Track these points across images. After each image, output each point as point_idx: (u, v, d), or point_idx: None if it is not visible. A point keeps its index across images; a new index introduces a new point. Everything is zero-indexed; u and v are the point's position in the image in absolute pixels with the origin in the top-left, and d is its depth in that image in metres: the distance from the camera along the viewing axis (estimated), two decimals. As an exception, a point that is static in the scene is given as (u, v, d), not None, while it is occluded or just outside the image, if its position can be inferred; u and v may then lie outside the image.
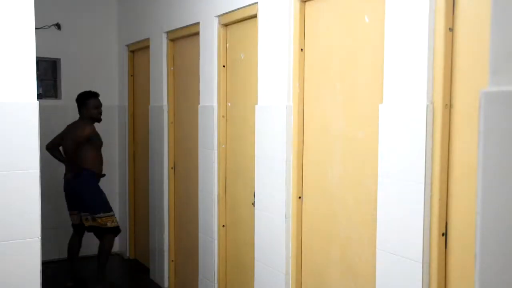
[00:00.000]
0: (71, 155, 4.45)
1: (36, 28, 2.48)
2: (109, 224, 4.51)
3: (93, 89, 4.75)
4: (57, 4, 5.30)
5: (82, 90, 5.27)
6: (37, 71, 2.58)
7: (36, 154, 2.46)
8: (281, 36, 2.93)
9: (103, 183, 4.69)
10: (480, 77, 1.94)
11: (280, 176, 2.96)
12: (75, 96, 4.86)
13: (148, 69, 4.84)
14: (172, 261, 4.61)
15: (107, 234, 4.54)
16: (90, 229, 4.56)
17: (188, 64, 4.22)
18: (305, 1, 2.85)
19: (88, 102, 4.60)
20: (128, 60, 5.45)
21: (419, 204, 2.10)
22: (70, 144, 4.44)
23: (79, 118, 4.62)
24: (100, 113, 4.60)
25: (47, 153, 4.60)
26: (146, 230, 5.06)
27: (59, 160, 4.67)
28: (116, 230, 4.61)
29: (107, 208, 4.54)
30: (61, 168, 4.86)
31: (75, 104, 5.52)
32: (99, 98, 4.65)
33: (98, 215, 4.47)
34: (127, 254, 5.67)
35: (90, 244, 5.34)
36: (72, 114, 5.38)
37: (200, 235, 3.95)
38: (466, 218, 2.03)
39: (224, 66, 3.63)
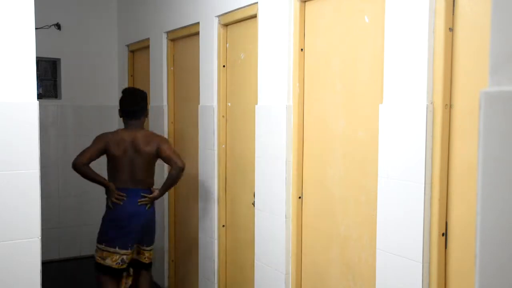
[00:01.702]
0: (143, 173, 3.59)
1: (36, 28, 2.47)
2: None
3: (93, 89, 4.73)
4: (57, 4, 5.31)
5: (83, 90, 5.25)
6: (37, 71, 2.57)
7: (36, 154, 2.46)
8: (281, 36, 2.93)
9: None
10: (480, 77, 1.94)
11: (280, 176, 2.96)
12: (76, 96, 4.84)
13: (148, 69, 4.84)
14: (172, 261, 4.61)
15: (145, 269, 3.79)
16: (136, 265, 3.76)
17: (188, 64, 4.22)
18: (305, 1, 2.85)
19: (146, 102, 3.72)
20: (128, 60, 5.45)
21: (419, 204, 2.10)
22: (144, 160, 3.57)
23: (138, 124, 3.63)
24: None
25: (47, 153, 4.56)
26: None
27: (99, 182, 3.57)
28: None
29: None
30: (62, 166, 4.84)
31: (75, 104, 5.53)
32: None
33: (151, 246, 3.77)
34: (127, 254, 5.66)
35: (90, 243, 5.34)
36: (72, 114, 5.40)
37: (200, 235, 3.95)
38: (466, 218, 2.03)
39: (224, 66, 3.63)
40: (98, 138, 3.57)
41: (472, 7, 2.00)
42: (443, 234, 2.09)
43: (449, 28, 2.04)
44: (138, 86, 5.29)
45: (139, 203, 3.58)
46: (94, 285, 4.69)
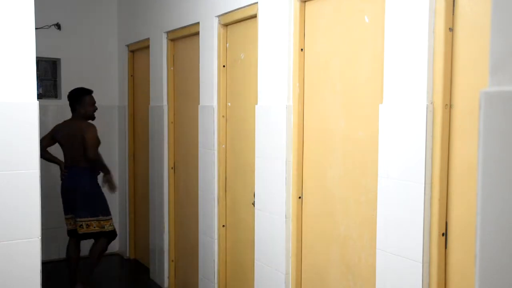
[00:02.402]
0: (92, 158, 4.24)
1: (36, 28, 2.47)
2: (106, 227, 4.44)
3: (93, 89, 4.74)
4: (57, 4, 5.30)
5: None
6: (37, 71, 2.57)
7: (36, 154, 2.46)
8: (281, 36, 2.93)
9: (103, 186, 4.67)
10: (480, 77, 1.94)
11: (280, 176, 2.96)
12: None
13: (148, 69, 4.84)
14: (172, 261, 4.61)
15: (104, 237, 4.43)
16: (88, 235, 4.42)
17: (188, 64, 4.22)
18: (305, 1, 2.85)
19: (85, 99, 4.41)
20: (128, 60, 5.45)
21: (419, 204, 2.10)
22: (81, 147, 4.26)
23: (74, 116, 4.40)
24: (95, 111, 4.46)
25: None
26: (146, 230, 5.06)
27: (55, 161, 4.47)
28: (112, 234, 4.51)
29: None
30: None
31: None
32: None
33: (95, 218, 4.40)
34: (127, 254, 5.67)
35: (90, 243, 5.33)
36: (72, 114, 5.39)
37: (200, 235, 3.95)
38: (466, 218, 2.03)
39: (224, 66, 3.63)
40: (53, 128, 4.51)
41: (472, 7, 2.00)
42: (443, 234, 2.09)
43: (449, 28, 2.04)
44: (138, 86, 5.30)
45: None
46: (94, 285, 4.70)
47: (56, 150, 4.51)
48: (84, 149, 4.22)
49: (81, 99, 4.40)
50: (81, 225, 4.29)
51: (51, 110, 5.33)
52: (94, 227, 4.32)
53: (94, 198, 4.34)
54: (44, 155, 4.28)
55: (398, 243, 2.21)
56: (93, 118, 4.43)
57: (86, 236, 4.35)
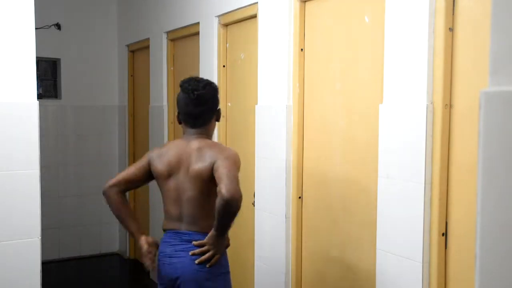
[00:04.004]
0: (194, 207, 2.30)
1: (36, 28, 2.48)
2: None
3: (93, 89, 4.71)
4: (57, 4, 5.31)
5: (83, 90, 5.26)
6: (37, 71, 2.57)
7: (36, 154, 2.46)
8: (281, 36, 2.93)
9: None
10: (480, 77, 1.94)
11: (280, 176, 2.96)
12: (76, 96, 4.82)
13: (148, 69, 4.84)
14: (172, 261, 4.61)
15: None
16: None
17: (188, 64, 4.22)
18: (305, 1, 2.84)
19: (219, 98, 2.43)
20: (128, 60, 5.45)
21: (419, 204, 2.10)
22: (195, 185, 2.27)
23: (203, 132, 2.36)
24: None
25: (47, 153, 4.54)
26: (146, 230, 5.06)
27: (125, 226, 2.46)
28: None
29: None
30: (62, 166, 4.83)
31: (75, 104, 5.52)
32: None
33: None
34: (127, 254, 5.66)
35: (90, 243, 5.35)
36: (72, 114, 5.40)
37: (200, 235, 3.94)
38: (466, 218, 2.03)
39: (224, 66, 3.63)
40: (145, 155, 2.44)
41: (472, 7, 2.00)
42: (443, 234, 2.09)
43: (449, 28, 2.04)
44: (138, 86, 5.29)
45: (196, 262, 2.27)
46: (94, 285, 4.70)
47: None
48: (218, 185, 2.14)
49: (218, 99, 2.41)
50: None
51: (51, 110, 5.33)
52: None
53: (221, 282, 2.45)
54: (115, 203, 2.33)
55: (398, 243, 2.21)
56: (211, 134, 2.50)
57: None
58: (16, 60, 2.40)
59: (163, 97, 4.54)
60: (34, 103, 2.45)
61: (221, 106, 3.62)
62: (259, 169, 3.16)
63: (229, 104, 3.63)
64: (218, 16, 3.61)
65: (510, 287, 0.70)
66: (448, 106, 2.06)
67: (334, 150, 2.69)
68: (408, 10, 2.15)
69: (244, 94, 3.44)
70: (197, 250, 2.27)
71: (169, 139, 4.51)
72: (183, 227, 2.31)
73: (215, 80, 3.67)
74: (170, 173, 2.30)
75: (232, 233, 3.71)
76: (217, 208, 2.15)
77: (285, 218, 2.95)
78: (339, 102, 2.65)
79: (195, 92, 2.25)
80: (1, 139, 2.39)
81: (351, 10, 2.57)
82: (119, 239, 5.75)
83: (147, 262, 2.32)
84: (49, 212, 5.11)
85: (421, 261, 2.10)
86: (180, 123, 2.41)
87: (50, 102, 5.35)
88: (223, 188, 2.11)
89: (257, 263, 3.22)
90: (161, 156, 2.33)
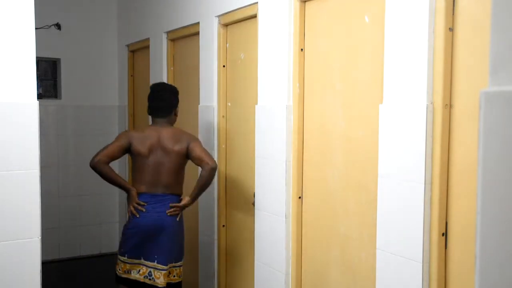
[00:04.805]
0: (170, 177, 3.19)
1: (36, 28, 2.47)
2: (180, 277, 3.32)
3: (93, 89, 4.71)
4: (57, 4, 5.31)
5: (83, 90, 5.25)
6: (37, 71, 2.57)
7: (36, 154, 2.46)
8: (281, 36, 2.93)
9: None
10: (480, 77, 1.94)
11: (280, 176, 2.96)
12: (76, 96, 4.82)
13: (148, 69, 4.84)
14: (172, 261, 4.61)
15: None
16: None
17: (188, 64, 4.22)
18: (305, 1, 2.85)
19: (178, 98, 3.39)
20: (128, 60, 5.45)
21: (419, 204, 2.10)
22: (173, 161, 3.19)
23: (162, 122, 3.28)
24: None
25: (47, 153, 4.54)
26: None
27: (124, 186, 3.23)
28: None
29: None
30: (62, 166, 4.83)
31: (75, 104, 5.52)
32: None
33: (179, 262, 3.28)
34: (127, 254, 5.66)
35: (90, 243, 5.35)
36: (72, 114, 5.40)
37: (200, 235, 3.95)
38: (466, 218, 2.03)
39: (224, 66, 3.63)
40: (121, 135, 3.28)
41: (472, 7, 2.00)
42: (443, 234, 2.09)
43: (449, 28, 2.04)
44: (138, 86, 5.30)
45: (168, 214, 3.15)
46: (94, 285, 4.70)
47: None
48: (198, 160, 3.13)
49: (178, 99, 3.38)
50: (175, 269, 3.26)
51: (51, 110, 5.33)
52: (174, 276, 3.26)
53: (183, 236, 3.33)
54: (106, 172, 3.13)
55: (398, 243, 2.21)
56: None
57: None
58: (16, 60, 2.40)
59: (163, 97, 4.54)
60: (34, 103, 2.45)
61: (220, 106, 3.65)
62: (259, 169, 3.16)
63: (229, 104, 3.63)
64: (218, 16, 3.61)
65: (510, 287, 0.70)
66: (448, 106, 2.06)
67: (334, 150, 2.69)
68: (408, 10, 2.15)
69: (244, 94, 3.45)
70: (171, 210, 3.17)
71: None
72: (160, 191, 3.18)
73: (215, 80, 3.68)
74: (150, 152, 3.17)
75: (232, 233, 3.71)
76: (204, 176, 3.09)
77: (285, 218, 2.95)
78: (339, 102, 2.65)
79: (160, 92, 3.30)
80: (1, 139, 2.39)
81: (351, 10, 2.57)
82: (119, 239, 5.75)
83: (133, 210, 3.16)
84: (49, 212, 5.11)
85: (421, 261, 2.10)
86: (149, 114, 3.35)
87: (50, 102, 5.36)
88: (209, 161, 3.10)
89: (257, 263, 3.22)
90: (142, 139, 3.19)
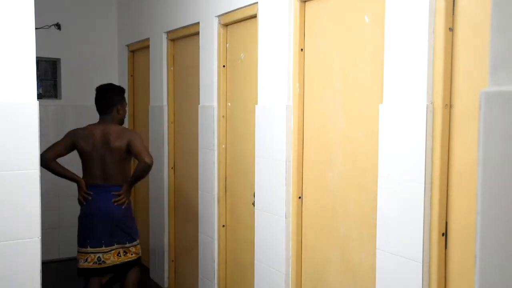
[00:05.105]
0: (113, 169, 3.55)
1: (36, 28, 2.47)
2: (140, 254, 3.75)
3: (93, 89, 4.72)
4: (57, 4, 5.31)
5: (83, 90, 5.24)
6: (37, 71, 2.57)
7: (36, 154, 2.46)
8: (281, 36, 2.93)
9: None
10: (480, 77, 1.94)
11: (280, 176, 2.96)
12: (76, 96, 4.82)
13: (148, 69, 4.84)
14: (172, 261, 4.61)
15: (133, 265, 3.71)
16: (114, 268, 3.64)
17: (188, 64, 4.22)
18: (305, 1, 2.85)
19: (124, 98, 3.73)
20: (128, 60, 5.45)
21: (419, 204, 2.10)
22: (115, 155, 3.52)
23: (107, 120, 3.61)
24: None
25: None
26: (146, 230, 5.06)
27: (71, 177, 3.61)
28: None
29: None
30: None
31: (75, 104, 5.52)
32: None
33: (135, 242, 3.67)
34: (127, 254, 5.67)
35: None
36: (72, 114, 5.40)
37: (200, 235, 3.95)
38: (466, 218, 2.03)
39: (224, 66, 3.63)
40: (68, 134, 3.63)
41: (472, 7, 2.00)
42: (443, 234, 2.09)
43: (449, 28, 2.04)
44: (138, 86, 5.30)
45: (114, 203, 3.53)
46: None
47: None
48: (136, 156, 3.47)
49: (122, 98, 3.70)
50: (119, 253, 3.59)
51: (51, 110, 5.33)
52: (132, 254, 3.66)
53: (133, 220, 3.73)
54: (55, 167, 3.51)
55: (398, 243, 2.21)
56: (122, 123, 3.75)
57: (119, 267, 3.63)
58: (16, 60, 2.40)
59: (163, 97, 4.54)
60: (34, 103, 2.45)
61: (220, 106, 3.65)
62: (259, 169, 3.16)
63: (229, 104, 3.63)
64: (218, 16, 3.61)
65: (510, 287, 0.70)
66: (448, 106, 2.06)
67: (334, 150, 2.69)
68: (408, 10, 2.15)
69: (244, 94, 3.44)
70: (117, 199, 3.55)
71: (169, 139, 4.52)
72: (104, 182, 3.56)
73: (215, 80, 3.68)
74: (94, 149, 3.52)
75: (232, 233, 3.71)
76: (140, 169, 3.45)
77: (285, 218, 2.95)
78: (339, 102, 2.65)
79: (101, 92, 3.66)
80: (1, 139, 2.39)
81: (351, 10, 2.57)
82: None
83: (82, 198, 3.56)
84: (49, 212, 5.11)
85: (421, 261, 2.11)
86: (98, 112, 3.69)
87: (50, 102, 5.36)
88: (146, 157, 3.41)
89: (257, 263, 3.22)
90: (86, 137, 3.54)
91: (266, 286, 3.13)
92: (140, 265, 3.80)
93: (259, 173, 3.17)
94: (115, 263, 3.57)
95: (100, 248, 3.51)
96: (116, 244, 3.56)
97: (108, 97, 3.62)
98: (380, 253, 2.31)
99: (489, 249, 0.72)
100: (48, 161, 3.46)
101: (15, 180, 2.42)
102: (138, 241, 3.70)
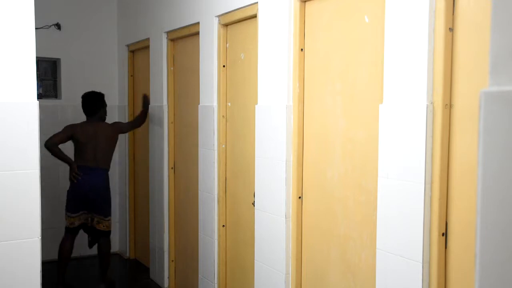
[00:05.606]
0: (104, 155, 4.52)
1: (36, 28, 2.48)
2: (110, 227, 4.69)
3: (93, 89, 4.76)
4: (57, 4, 5.31)
5: (83, 90, 5.24)
6: (37, 71, 2.58)
7: (36, 154, 2.46)
8: (281, 36, 2.93)
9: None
10: (480, 77, 1.94)
11: (280, 176, 2.96)
12: (76, 96, 4.84)
13: (148, 69, 4.84)
14: (172, 261, 4.61)
15: (105, 236, 4.61)
16: (92, 231, 4.59)
17: (188, 64, 4.22)
18: (305, 1, 2.85)
19: (105, 102, 4.72)
20: (128, 60, 5.45)
21: (419, 204, 2.10)
22: (106, 144, 4.53)
23: (97, 118, 4.58)
24: None
25: (47, 153, 4.58)
26: (146, 230, 5.06)
27: (66, 160, 4.46)
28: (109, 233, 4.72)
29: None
30: (62, 167, 4.84)
31: (75, 104, 5.53)
32: None
33: (109, 217, 4.59)
34: (127, 254, 5.67)
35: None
36: (72, 114, 5.40)
37: (200, 235, 3.95)
38: (466, 218, 2.03)
39: (224, 66, 3.63)
40: (67, 127, 4.49)
41: (472, 7, 2.00)
42: (443, 234, 2.09)
43: (449, 28, 2.04)
44: (138, 86, 5.31)
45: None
46: (94, 285, 4.70)
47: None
48: (128, 123, 4.90)
49: (104, 102, 4.67)
50: (98, 221, 4.53)
51: (51, 110, 5.33)
52: (104, 227, 4.58)
53: (109, 198, 4.62)
54: (56, 151, 4.39)
55: (398, 243, 2.21)
56: (104, 120, 4.69)
57: (97, 233, 4.57)
58: (16, 60, 2.40)
59: (163, 97, 4.54)
60: (34, 103, 2.45)
61: (220, 106, 3.65)
62: (259, 169, 3.16)
63: (229, 104, 3.63)
64: (218, 16, 3.61)
65: (510, 287, 0.70)
66: (448, 106, 2.06)
67: (334, 150, 2.69)
68: (408, 10, 2.15)
69: (244, 94, 3.45)
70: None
71: (169, 139, 4.53)
72: (95, 165, 4.49)
73: (215, 80, 3.68)
74: (88, 140, 4.46)
75: (232, 233, 3.71)
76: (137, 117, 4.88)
77: (285, 218, 2.95)
78: (339, 102, 2.65)
79: (86, 99, 4.60)
80: (1, 139, 2.39)
81: (351, 10, 2.57)
82: (119, 239, 5.75)
83: (72, 177, 4.43)
84: (49, 212, 5.11)
85: (421, 261, 2.11)
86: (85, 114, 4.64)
87: (50, 102, 5.35)
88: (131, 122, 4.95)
89: (257, 263, 3.23)
90: (81, 131, 4.47)
91: (266, 286, 3.13)
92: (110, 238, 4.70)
93: (259, 173, 3.17)
94: (81, 223, 4.54)
95: (91, 214, 4.52)
96: (84, 210, 4.51)
97: (95, 102, 4.59)
98: (380, 253, 2.31)
99: (489, 249, 0.72)
100: (53, 144, 4.34)
101: (15, 180, 2.42)
102: (110, 217, 4.60)
